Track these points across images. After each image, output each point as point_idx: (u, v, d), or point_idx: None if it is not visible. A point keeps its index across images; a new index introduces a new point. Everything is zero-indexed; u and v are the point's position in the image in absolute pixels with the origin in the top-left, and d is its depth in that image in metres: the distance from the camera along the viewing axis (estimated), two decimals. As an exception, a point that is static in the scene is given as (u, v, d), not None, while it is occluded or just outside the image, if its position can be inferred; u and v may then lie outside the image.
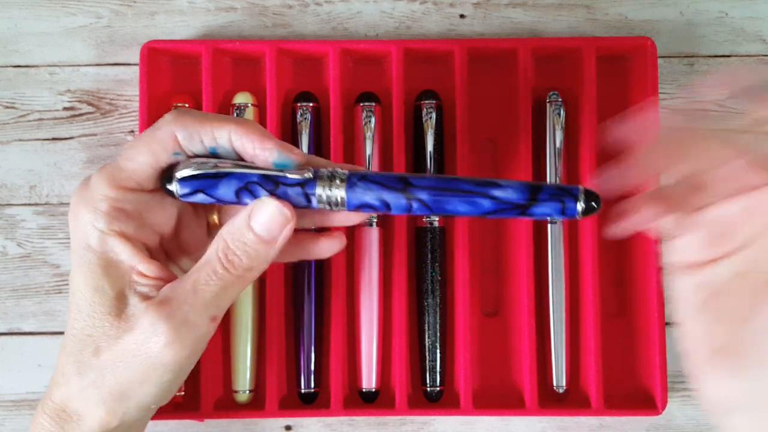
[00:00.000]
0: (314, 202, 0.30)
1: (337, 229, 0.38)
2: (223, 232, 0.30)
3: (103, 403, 0.30)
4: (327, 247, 0.35)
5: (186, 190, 0.31)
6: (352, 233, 0.44)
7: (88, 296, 0.30)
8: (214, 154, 0.31)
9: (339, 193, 0.30)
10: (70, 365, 0.31)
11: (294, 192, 0.30)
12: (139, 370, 0.30)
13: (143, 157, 0.30)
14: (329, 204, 0.30)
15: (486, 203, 0.30)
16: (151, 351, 0.29)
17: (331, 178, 0.30)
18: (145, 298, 0.30)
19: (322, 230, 0.37)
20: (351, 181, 0.30)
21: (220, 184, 0.30)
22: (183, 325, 0.29)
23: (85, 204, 0.30)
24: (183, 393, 0.42)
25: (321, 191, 0.30)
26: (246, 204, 0.31)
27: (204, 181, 0.30)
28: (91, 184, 0.31)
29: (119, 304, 0.30)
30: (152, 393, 0.30)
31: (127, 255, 0.30)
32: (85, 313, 0.30)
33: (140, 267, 0.30)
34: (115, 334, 0.30)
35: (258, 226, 0.30)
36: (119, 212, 0.30)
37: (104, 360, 0.30)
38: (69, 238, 0.44)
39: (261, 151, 0.30)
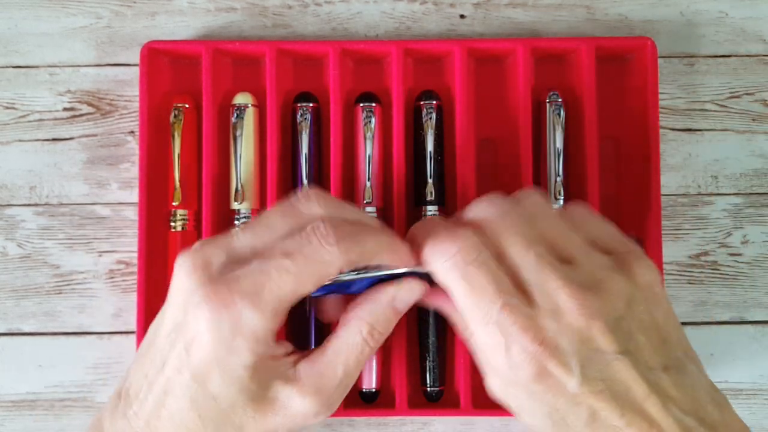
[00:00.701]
0: None
1: None
2: (364, 316, 0.33)
3: None
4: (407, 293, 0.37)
5: (320, 293, 0.33)
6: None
7: (228, 392, 0.30)
8: None
9: None
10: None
11: None
12: None
13: (303, 288, 0.31)
14: None
15: None
16: (299, 426, 0.31)
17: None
18: (287, 380, 0.31)
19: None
20: None
21: (353, 285, 0.33)
22: (339, 400, 0.33)
23: (231, 338, 0.29)
24: None
25: None
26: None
27: (339, 286, 0.33)
28: (241, 323, 0.29)
29: (263, 392, 0.31)
30: None
31: (272, 349, 0.31)
32: (223, 401, 0.30)
33: (275, 352, 0.31)
34: (261, 419, 0.31)
35: (401, 304, 0.33)
36: (266, 346, 0.31)
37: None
38: (69, 239, 0.44)
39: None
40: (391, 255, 0.32)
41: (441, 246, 0.30)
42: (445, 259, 0.30)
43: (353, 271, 0.32)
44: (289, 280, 0.29)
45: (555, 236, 0.30)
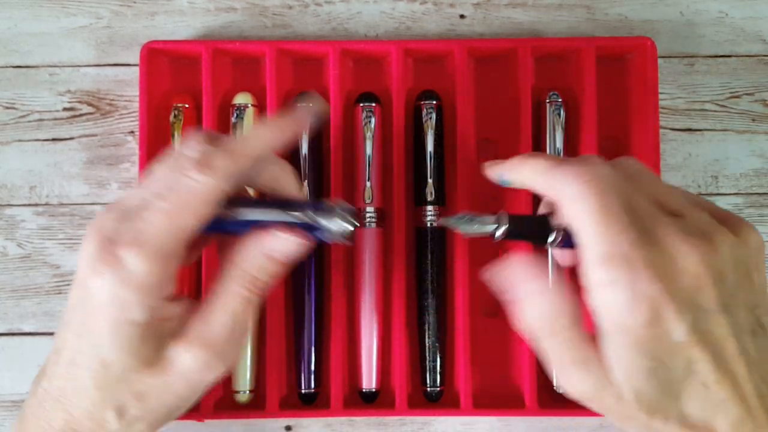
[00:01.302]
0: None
1: None
2: (241, 264, 0.32)
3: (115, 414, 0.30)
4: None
5: (219, 229, 0.33)
6: (352, 234, 0.43)
7: (120, 357, 0.30)
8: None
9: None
10: (107, 411, 0.30)
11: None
12: (184, 397, 0.31)
13: (182, 224, 0.30)
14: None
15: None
16: (197, 382, 0.31)
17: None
18: (176, 336, 0.31)
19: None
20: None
21: (253, 225, 0.33)
22: (236, 351, 0.32)
23: (120, 292, 0.29)
24: None
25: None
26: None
27: (235, 224, 0.32)
28: (126, 274, 0.29)
29: (155, 353, 0.30)
30: (187, 407, 0.32)
31: (158, 310, 0.31)
32: (115, 367, 0.30)
33: (168, 311, 0.31)
34: (158, 382, 0.30)
35: (278, 254, 0.32)
36: (158, 298, 0.30)
37: (150, 403, 0.30)
38: (69, 239, 0.44)
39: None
40: (271, 138, 0.32)
41: (578, 168, 0.29)
42: (583, 181, 0.28)
43: (249, 203, 0.33)
44: (164, 218, 0.29)
45: (661, 192, 0.30)
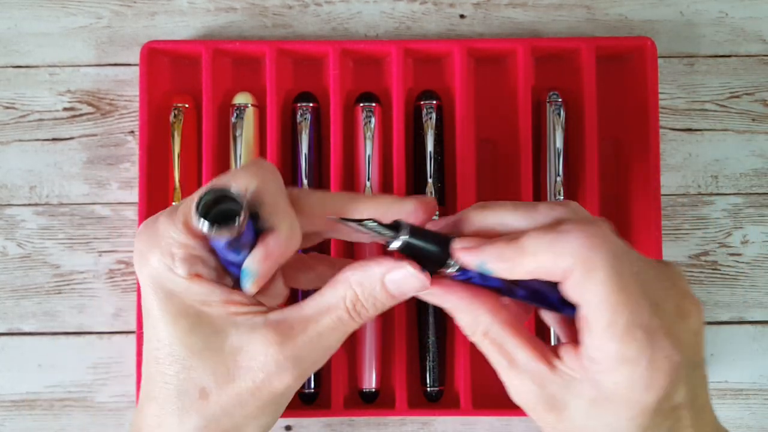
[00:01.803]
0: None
1: None
2: (352, 282, 0.29)
3: None
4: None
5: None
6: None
7: (181, 340, 0.28)
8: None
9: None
10: (168, 415, 0.28)
11: None
12: (257, 406, 0.28)
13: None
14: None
15: None
16: (276, 389, 0.28)
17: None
18: (252, 329, 0.28)
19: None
20: None
21: None
22: (310, 366, 0.29)
23: (158, 249, 0.28)
24: None
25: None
26: None
27: None
28: (160, 229, 0.28)
29: (220, 341, 0.28)
30: (265, 425, 0.29)
31: (216, 293, 0.28)
32: (180, 358, 0.28)
33: (234, 298, 0.28)
34: (225, 372, 0.28)
35: (394, 288, 0.29)
36: (196, 258, 0.28)
37: (215, 402, 0.28)
38: (69, 239, 0.44)
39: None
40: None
41: (585, 228, 0.26)
42: (597, 243, 0.25)
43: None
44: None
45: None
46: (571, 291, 0.26)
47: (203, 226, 0.25)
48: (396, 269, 0.28)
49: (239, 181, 0.27)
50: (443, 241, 0.29)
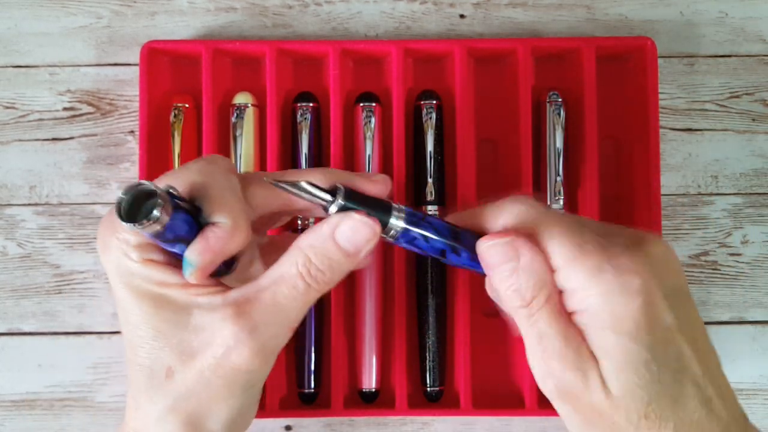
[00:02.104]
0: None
1: None
2: (303, 246, 0.29)
3: (184, 426, 0.28)
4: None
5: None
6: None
7: (147, 321, 0.28)
8: None
9: (400, 224, 0.29)
10: (141, 396, 0.29)
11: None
12: (221, 385, 0.28)
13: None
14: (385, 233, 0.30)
15: None
16: (235, 364, 0.28)
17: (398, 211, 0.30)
18: (212, 308, 0.28)
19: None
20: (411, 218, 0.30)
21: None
22: (268, 339, 0.28)
23: (112, 233, 0.29)
24: None
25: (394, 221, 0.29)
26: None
27: None
28: (115, 223, 0.28)
29: (184, 321, 0.28)
30: (235, 407, 0.29)
31: (173, 277, 0.29)
32: (147, 339, 0.28)
33: (191, 280, 0.28)
34: (188, 350, 0.28)
35: (345, 242, 0.29)
36: (149, 246, 0.29)
37: (180, 381, 0.28)
38: (69, 238, 0.44)
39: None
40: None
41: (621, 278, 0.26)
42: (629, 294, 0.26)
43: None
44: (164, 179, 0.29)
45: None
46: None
47: (126, 225, 0.26)
48: (343, 221, 0.29)
49: (181, 178, 0.28)
50: (382, 205, 0.29)
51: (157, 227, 0.26)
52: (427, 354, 0.43)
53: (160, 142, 0.43)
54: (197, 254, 0.28)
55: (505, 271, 0.29)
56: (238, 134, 0.43)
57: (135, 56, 0.45)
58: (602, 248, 0.27)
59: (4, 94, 0.45)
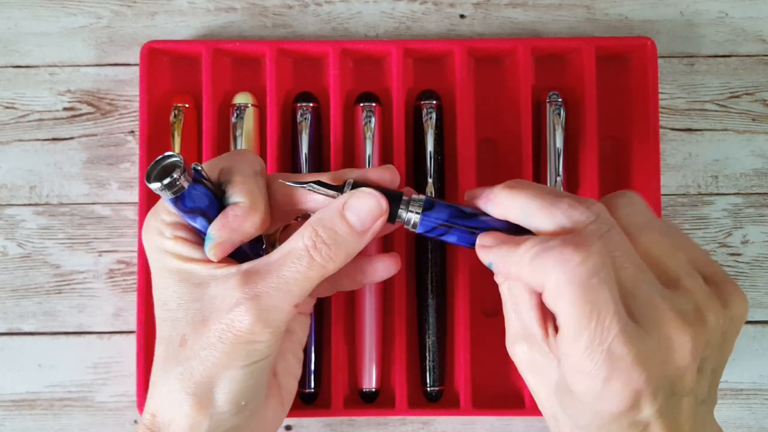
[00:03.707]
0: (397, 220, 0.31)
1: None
2: (312, 221, 0.30)
3: (190, 396, 0.29)
4: (384, 267, 0.34)
5: None
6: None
7: (172, 295, 0.30)
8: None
9: (414, 217, 0.31)
10: (158, 370, 0.30)
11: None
12: (224, 351, 0.29)
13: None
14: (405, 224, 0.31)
15: None
16: (236, 329, 0.29)
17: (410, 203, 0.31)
18: (226, 278, 0.30)
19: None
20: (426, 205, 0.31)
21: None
22: (269, 308, 0.29)
23: (154, 216, 0.32)
24: None
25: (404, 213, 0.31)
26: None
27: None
28: (158, 205, 0.32)
29: (202, 292, 0.30)
30: (239, 379, 0.29)
31: (197, 252, 0.31)
32: (171, 311, 0.30)
33: (210, 255, 0.31)
34: (200, 318, 0.29)
35: (352, 216, 0.30)
36: (180, 225, 0.31)
37: (190, 347, 0.29)
38: (69, 239, 0.44)
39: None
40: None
41: (563, 251, 0.26)
42: (568, 269, 0.26)
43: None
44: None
45: (658, 252, 0.28)
46: (545, 300, 0.27)
47: (149, 184, 0.28)
48: (352, 197, 0.30)
49: (211, 163, 0.32)
50: (391, 195, 0.30)
51: (176, 190, 0.29)
52: (427, 354, 0.43)
53: (160, 142, 0.43)
54: (216, 229, 0.30)
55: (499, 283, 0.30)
56: (238, 134, 0.43)
57: (135, 56, 0.45)
58: (609, 359, 0.25)
59: (4, 94, 0.45)
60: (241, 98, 0.43)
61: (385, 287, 0.43)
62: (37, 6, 0.46)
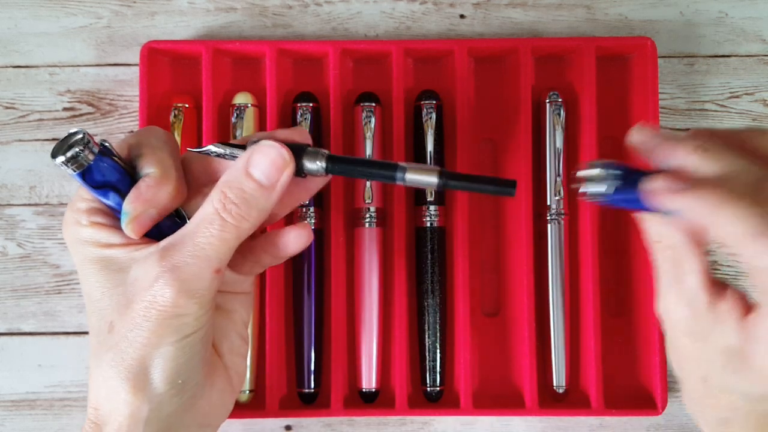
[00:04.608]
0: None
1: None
2: (220, 184, 0.30)
3: (125, 381, 0.29)
4: (295, 237, 0.33)
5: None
6: (352, 234, 0.44)
7: (95, 284, 0.30)
8: None
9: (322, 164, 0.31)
10: (92, 359, 0.30)
11: None
12: (151, 329, 0.28)
13: None
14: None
15: None
16: (159, 305, 0.28)
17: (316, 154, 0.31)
18: (145, 258, 0.29)
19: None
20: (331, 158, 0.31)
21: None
22: (189, 277, 0.29)
23: (70, 207, 0.31)
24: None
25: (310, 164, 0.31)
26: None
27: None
28: (74, 196, 0.32)
29: (124, 277, 0.30)
30: (170, 356, 0.29)
31: (116, 237, 0.30)
32: (95, 301, 0.30)
33: (131, 241, 0.30)
34: (124, 302, 0.29)
35: (256, 171, 0.30)
36: (97, 210, 0.31)
37: (117, 332, 0.29)
38: (69, 238, 0.44)
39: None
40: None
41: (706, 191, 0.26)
42: (717, 203, 0.25)
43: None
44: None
45: (755, 144, 0.28)
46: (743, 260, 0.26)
47: (54, 159, 0.29)
48: (254, 152, 0.30)
49: (120, 141, 0.31)
50: (295, 148, 0.30)
51: (80, 163, 0.29)
52: (427, 354, 0.43)
53: (160, 142, 0.43)
54: (130, 202, 0.30)
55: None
56: (238, 134, 0.43)
57: (135, 56, 0.45)
58: None
59: (4, 94, 0.45)
60: (241, 98, 0.43)
61: (385, 287, 0.43)
62: (37, 6, 0.46)
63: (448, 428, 0.44)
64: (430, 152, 0.43)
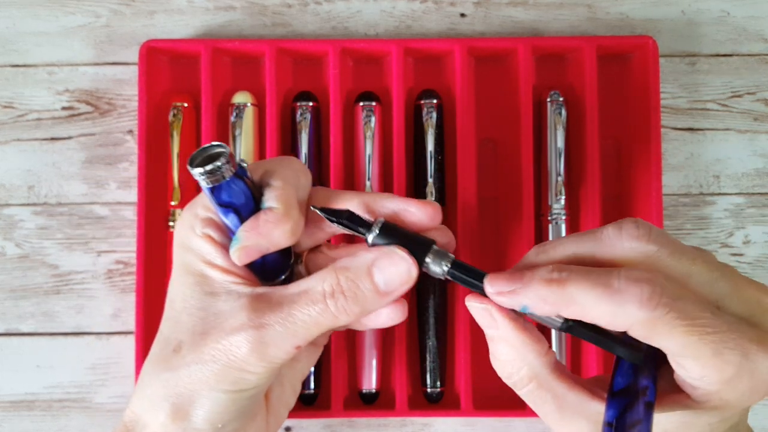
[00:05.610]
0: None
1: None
2: (338, 268, 0.29)
3: (169, 405, 0.29)
4: (388, 314, 0.31)
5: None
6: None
7: (182, 295, 0.30)
8: None
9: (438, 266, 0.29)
10: (149, 366, 0.30)
11: None
12: (214, 371, 0.28)
13: None
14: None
15: None
16: (232, 354, 0.28)
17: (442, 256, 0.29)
18: (237, 297, 0.29)
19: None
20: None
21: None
22: (270, 342, 0.28)
23: (189, 209, 0.31)
24: None
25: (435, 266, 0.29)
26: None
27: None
28: (197, 199, 0.31)
29: (212, 303, 0.29)
30: (221, 402, 0.29)
31: (220, 257, 0.29)
32: (176, 311, 0.29)
33: (236, 269, 0.29)
34: (201, 329, 0.29)
35: (379, 276, 0.28)
36: (213, 223, 0.30)
37: (183, 356, 0.29)
38: (67, 239, 0.44)
39: None
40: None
41: (639, 291, 0.24)
42: (651, 305, 0.24)
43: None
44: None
45: (694, 282, 0.27)
46: (640, 338, 0.25)
47: (191, 169, 0.27)
48: (386, 256, 0.28)
49: (257, 164, 0.30)
50: (421, 241, 0.29)
51: (216, 179, 0.27)
52: (428, 355, 0.42)
53: (158, 141, 0.43)
54: (244, 231, 0.28)
55: (488, 334, 0.29)
56: (237, 134, 0.43)
57: (134, 55, 0.44)
58: (743, 354, 0.25)
59: (2, 93, 0.45)
60: (241, 97, 0.43)
61: (385, 287, 0.43)
62: (35, 5, 0.45)
63: (449, 429, 0.44)
64: (430, 152, 0.43)
